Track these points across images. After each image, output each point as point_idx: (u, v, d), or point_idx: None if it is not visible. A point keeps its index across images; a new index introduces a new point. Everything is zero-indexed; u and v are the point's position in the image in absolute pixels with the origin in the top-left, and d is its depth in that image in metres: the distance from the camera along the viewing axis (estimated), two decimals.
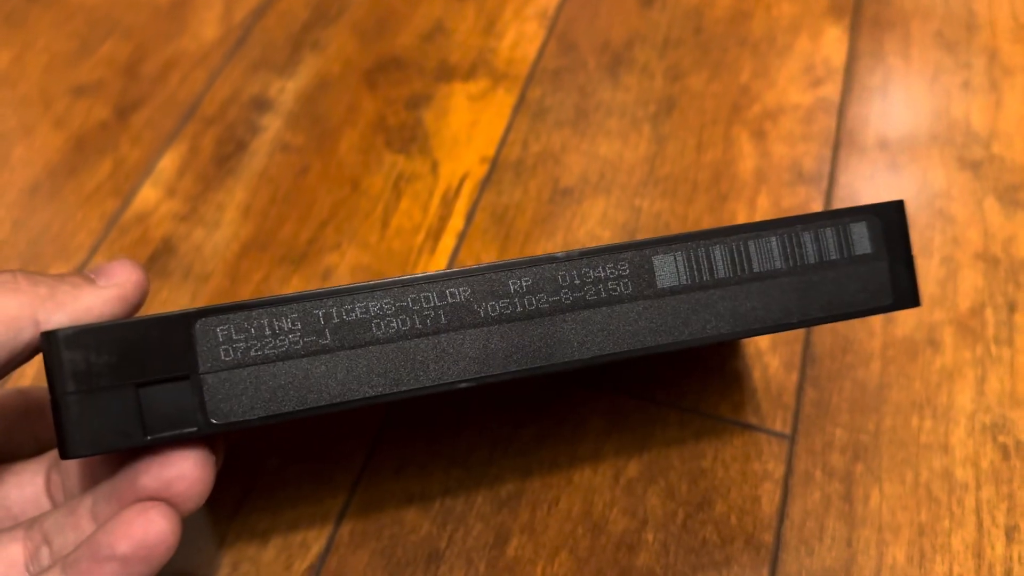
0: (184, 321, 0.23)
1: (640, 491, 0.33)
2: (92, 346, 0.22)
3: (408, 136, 0.45)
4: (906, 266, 0.26)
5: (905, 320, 0.37)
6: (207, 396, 0.23)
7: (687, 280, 0.25)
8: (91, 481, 0.26)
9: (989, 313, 0.37)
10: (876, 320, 0.37)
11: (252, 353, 0.23)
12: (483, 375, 0.24)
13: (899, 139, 0.44)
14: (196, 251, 0.41)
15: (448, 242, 0.41)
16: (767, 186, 0.42)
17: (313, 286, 0.39)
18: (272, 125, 0.45)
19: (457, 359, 0.24)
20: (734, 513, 0.33)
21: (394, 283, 0.24)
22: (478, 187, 0.43)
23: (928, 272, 0.39)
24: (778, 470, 0.34)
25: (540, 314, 0.25)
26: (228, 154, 0.44)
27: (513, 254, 0.40)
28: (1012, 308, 0.37)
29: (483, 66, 0.48)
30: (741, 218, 0.41)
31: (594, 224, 0.41)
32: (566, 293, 0.25)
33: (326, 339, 0.23)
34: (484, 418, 0.35)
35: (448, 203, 0.42)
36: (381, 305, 0.24)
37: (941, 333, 0.37)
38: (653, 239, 0.25)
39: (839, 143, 0.44)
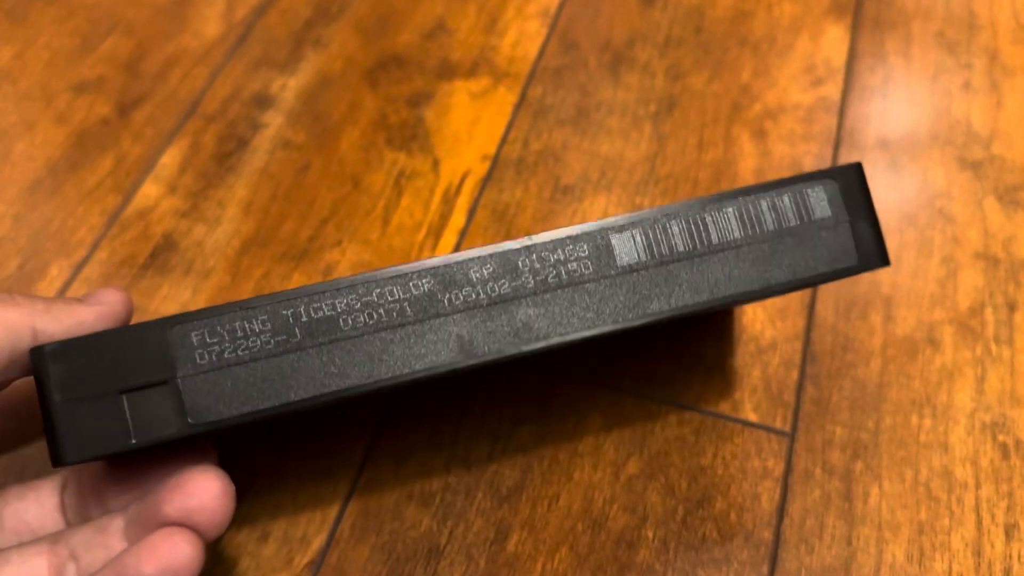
0: (159, 328, 0.24)
1: (640, 488, 0.33)
2: (76, 357, 0.23)
3: (409, 134, 0.45)
4: (869, 225, 0.26)
5: (905, 319, 0.37)
6: (185, 399, 0.24)
7: (647, 256, 0.25)
8: (101, 501, 0.27)
9: (989, 312, 0.37)
10: (876, 319, 0.37)
11: (226, 355, 0.24)
12: (453, 364, 0.25)
13: (899, 139, 0.44)
14: (197, 247, 0.41)
15: (449, 239, 0.41)
16: None
17: (314, 283, 0.39)
18: (273, 122, 0.45)
19: (426, 349, 0.25)
20: (734, 510, 0.33)
21: (358, 280, 0.24)
22: (479, 185, 0.43)
23: (928, 271, 0.39)
24: (778, 468, 0.34)
25: (504, 300, 0.25)
26: (229, 151, 0.44)
27: None
28: (1012, 307, 0.38)
29: (484, 64, 0.48)
30: None
31: None
32: (527, 277, 0.25)
33: (296, 337, 0.24)
34: (484, 414, 0.35)
35: (449, 201, 0.42)
36: (348, 301, 0.24)
37: (941, 332, 0.37)
38: (609, 220, 0.25)
39: (840, 142, 0.44)
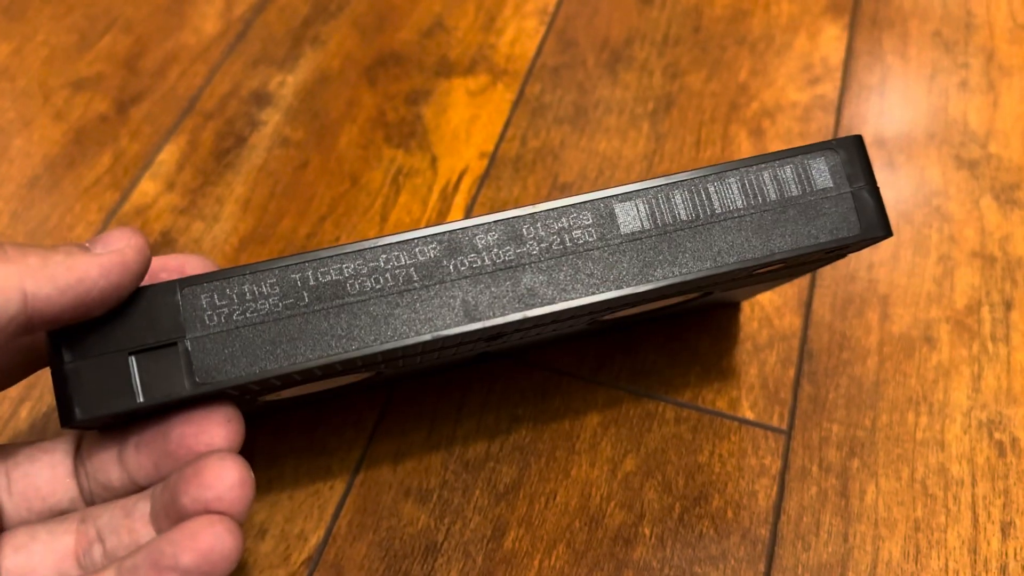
0: (169, 290, 0.24)
1: (637, 485, 0.33)
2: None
3: (407, 131, 0.45)
4: (871, 194, 0.26)
5: (902, 317, 0.37)
6: (194, 359, 0.24)
7: (650, 224, 0.26)
8: (120, 462, 0.25)
9: (986, 311, 0.38)
10: (873, 317, 0.37)
11: (235, 317, 0.24)
12: (458, 329, 0.25)
13: (896, 138, 0.44)
14: (195, 244, 0.41)
15: None
16: None
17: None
18: (272, 120, 0.45)
19: (431, 314, 0.25)
20: (731, 507, 0.33)
21: (366, 245, 0.25)
22: (477, 182, 0.43)
23: (925, 270, 0.39)
24: (775, 465, 0.34)
25: (508, 267, 0.25)
26: (227, 148, 0.44)
27: None
28: (1008, 306, 0.38)
29: (483, 62, 0.48)
30: None
31: None
32: (532, 244, 0.25)
33: (304, 301, 0.24)
34: (482, 412, 0.35)
35: (447, 198, 0.42)
36: (355, 266, 0.25)
37: (938, 330, 0.37)
38: (612, 190, 0.26)
39: None
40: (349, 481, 0.34)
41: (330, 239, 0.41)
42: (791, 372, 0.36)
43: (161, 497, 0.24)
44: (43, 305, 0.22)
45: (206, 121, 0.45)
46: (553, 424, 0.35)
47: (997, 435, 0.34)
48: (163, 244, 0.40)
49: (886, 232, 0.26)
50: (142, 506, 0.25)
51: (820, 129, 0.44)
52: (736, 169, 0.26)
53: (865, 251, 0.39)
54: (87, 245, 0.23)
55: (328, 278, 0.25)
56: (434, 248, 0.25)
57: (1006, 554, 0.32)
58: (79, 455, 0.26)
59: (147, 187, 0.43)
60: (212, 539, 0.22)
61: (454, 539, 0.32)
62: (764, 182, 0.26)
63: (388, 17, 0.50)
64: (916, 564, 0.31)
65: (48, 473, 0.25)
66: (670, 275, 0.26)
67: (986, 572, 0.31)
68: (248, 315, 0.24)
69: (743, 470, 0.34)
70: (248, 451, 0.35)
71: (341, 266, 0.25)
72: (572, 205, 0.25)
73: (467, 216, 0.41)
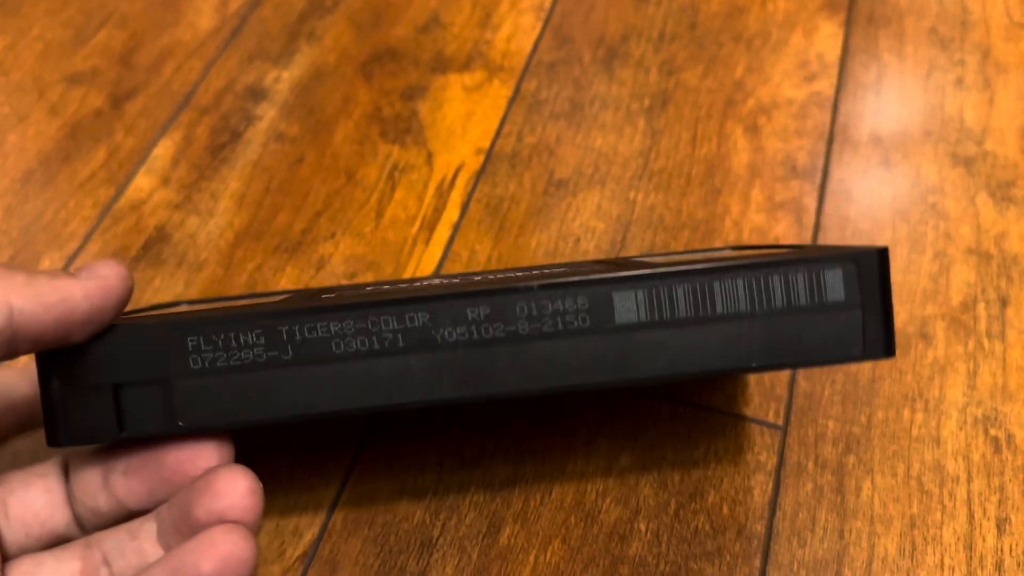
0: (156, 330, 0.24)
1: (633, 481, 0.33)
2: (75, 348, 0.24)
3: (403, 127, 0.45)
4: (882, 317, 0.25)
5: (898, 314, 0.37)
6: (175, 400, 0.24)
7: (646, 318, 0.25)
8: (108, 490, 0.26)
9: (981, 308, 0.38)
10: None
11: (219, 363, 0.24)
12: (436, 398, 0.25)
13: (893, 135, 0.44)
14: (190, 240, 0.40)
15: (443, 233, 0.41)
16: (761, 180, 0.42)
17: (307, 276, 0.39)
18: (267, 115, 0.45)
19: (413, 381, 0.25)
20: (726, 503, 0.33)
21: (356, 304, 0.24)
22: (473, 178, 0.43)
23: (921, 267, 0.39)
24: (770, 461, 0.34)
25: (496, 343, 0.25)
26: (223, 143, 0.44)
27: (508, 245, 0.40)
28: (1004, 303, 0.38)
29: (479, 58, 0.48)
30: (735, 212, 0.41)
31: (588, 216, 0.41)
32: (523, 324, 0.25)
33: (288, 355, 0.24)
34: (478, 407, 0.35)
35: (443, 194, 0.42)
36: (343, 326, 0.24)
37: (933, 327, 0.37)
38: (616, 276, 0.25)
39: (833, 138, 0.44)
40: (344, 477, 0.34)
41: (326, 234, 0.40)
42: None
43: (169, 515, 0.24)
44: (27, 320, 0.22)
45: (201, 116, 0.45)
46: (548, 420, 0.35)
47: (993, 431, 0.34)
48: (158, 239, 0.40)
49: (889, 355, 0.25)
50: (148, 527, 0.25)
51: (816, 127, 0.44)
52: (747, 270, 0.25)
53: None
54: (72, 272, 0.24)
55: (315, 335, 0.24)
56: (424, 315, 0.25)
57: (1001, 550, 0.32)
58: (67, 481, 0.26)
59: (142, 182, 0.42)
60: (230, 546, 0.23)
61: (449, 534, 0.32)
62: (773, 286, 0.25)
63: (384, 12, 0.50)
64: (912, 560, 0.31)
65: (44, 498, 0.26)
66: (654, 371, 0.25)
67: (982, 568, 0.31)
68: (232, 363, 0.24)
69: (739, 466, 0.34)
70: (241, 448, 0.35)
71: (329, 324, 0.24)
72: (571, 284, 0.25)
73: (462, 212, 0.41)
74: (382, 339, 0.25)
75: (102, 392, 0.24)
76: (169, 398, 0.24)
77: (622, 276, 0.25)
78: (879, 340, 0.25)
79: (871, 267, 0.25)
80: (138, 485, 0.25)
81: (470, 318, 0.25)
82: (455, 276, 0.36)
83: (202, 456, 0.25)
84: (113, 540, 0.25)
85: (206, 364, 0.24)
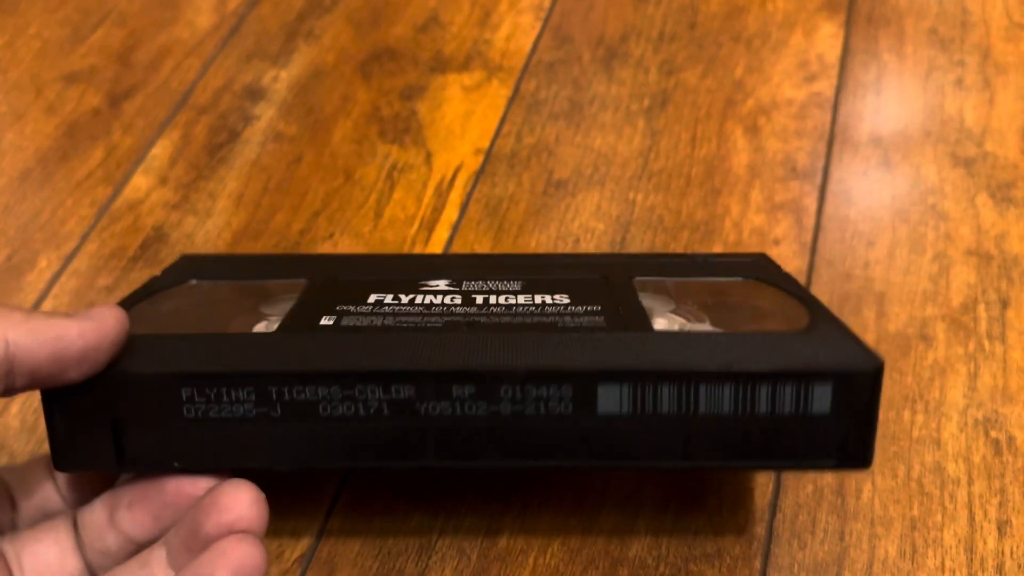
0: (154, 380, 0.25)
1: (632, 482, 0.33)
2: (76, 385, 0.25)
3: (402, 127, 0.44)
4: (864, 432, 0.25)
5: (898, 315, 0.37)
6: (171, 443, 0.26)
7: (628, 411, 0.25)
8: (115, 526, 0.26)
9: (982, 309, 0.38)
10: (869, 315, 0.37)
11: (211, 415, 0.25)
12: (420, 464, 0.26)
13: (893, 135, 0.44)
14: (188, 240, 0.40)
15: (442, 233, 0.40)
16: (760, 181, 0.42)
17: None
18: (265, 114, 0.45)
19: (394, 448, 0.26)
20: (726, 505, 0.33)
21: (344, 374, 0.25)
22: (472, 178, 0.42)
23: (921, 268, 0.39)
24: None
25: (477, 419, 0.25)
26: (221, 143, 0.44)
27: (507, 246, 0.40)
28: (1004, 304, 0.38)
29: (478, 58, 0.47)
30: (734, 213, 0.41)
31: (588, 217, 0.41)
32: (506, 405, 0.25)
33: (276, 413, 0.25)
34: None
35: (442, 194, 0.42)
36: (330, 391, 0.25)
37: (933, 328, 0.37)
38: (603, 370, 0.25)
39: (833, 139, 0.44)
40: (342, 478, 0.34)
41: (324, 234, 0.40)
42: None
43: (178, 537, 0.25)
44: (23, 355, 0.23)
45: (199, 115, 0.45)
46: None
47: (993, 433, 0.34)
48: (155, 239, 0.40)
49: (864, 466, 0.25)
50: (157, 554, 0.26)
51: (816, 127, 0.44)
52: (733, 380, 0.24)
53: (861, 249, 0.39)
54: (70, 313, 0.25)
55: (302, 397, 0.25)
56: (409, 389, 0.25)
57: (1002, 553, 0.31)
58: (78, 527, 0.27)
59: (140, 182, 0.42)
60: (242, 554, 0.23)
61: (448, 536, 0.32)
62: (759, 395, 0.24)
63: (383, 12, 0.50)
64: (912, 563, 0.31)
65: (55, 549, 0.26)
66: (628, 460, 0.26)
67: (983, 571, 0.31)
68: (223, 414, 0.25)
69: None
70: None
71: (317, 388, 0.25)
72: (557, 373, 0.25)
73: (461, 212, 0.41)
74: (367, 406, 0.25)
75: (102, 427, 0.25)
76: (165, 440, 0.25)
77: (609, 370, 0.25)
78: (858, 454, 0.25)
79: (864, 386, 0.24)
80: (143, 515, 0.26)
81: (454, 395, 0.25)
82: (467, 256, 0.36)
83: (202, 478, 0.26)
84: (125, 573, 0.26)
85: (199, 414, 0.25)
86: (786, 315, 0.29)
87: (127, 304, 0.30)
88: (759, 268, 0.34)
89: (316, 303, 0.30)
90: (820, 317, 0.28)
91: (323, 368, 0.25)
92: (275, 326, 0.29)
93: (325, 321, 0.28)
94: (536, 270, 0.34)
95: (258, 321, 0.30)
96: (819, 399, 0.25)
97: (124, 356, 0.25)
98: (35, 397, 0.35)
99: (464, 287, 0.32)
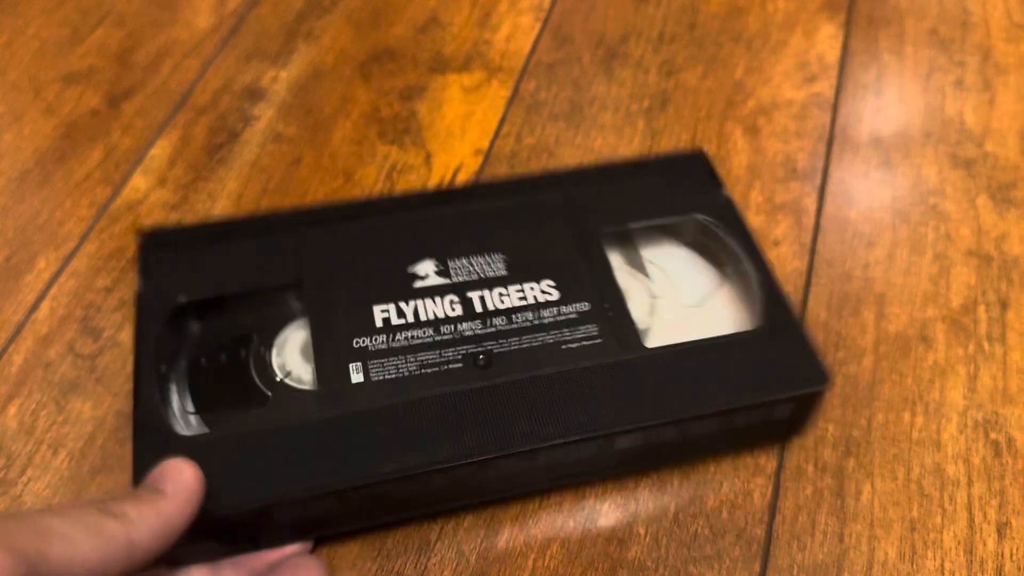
0: (250, 515, 0.29)
1: (632, 484, 0.33)
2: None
3: (402, 127, 0.44)
4: (794, 423, 0.33)
5: (898, 316, 0.37)
6: (261, 535, 0.30)
7: (641, 443, 0.31)
8: None
9: (982, 310, 0.37)
10: (869, 316, 0.37)
11: (298, 516, 0.30)
12: (448, 505, 0.32)
13: (893, 136, 0.44)
14: None
15: None
16: (760, 181, 0.42)
17: None
18: (264, 115, 0.45)
19: (423, 491, 0.30)
20: (725, 507, 0.33)
21: (407, 470, 0.29)
22: (472, 179, 0.42)
23: (921, 268, 0.39)
24: (770, 465, 0.34)
25: (517, 469, 0.31)
26: (220, 143, 0.44)
27: None
28: (1004, 305, 0.38)
29: (477, 58, 0.47)
30: None
31: None
32: (540, 460, 0.31)
33: (355, 502, 0.30)
34: None
35: None
36: (397, 485, 0.30)
37: (933, 330, 0.37)
38: (620, 424, 0.30)
39: (833, 139, 0.44)
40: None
41: None
42: None
43: None
44: (142, 554, 0.25)
45: (198, 116, 0.45)
46: None
47: (993, 435, 0.34)
48: None
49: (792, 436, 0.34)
50: None
51: (816, 127, 0.44)
52: (716, 418, 0.31)
53: (861, 250, 0.39)
54: (159, 490, 0.27)
55: (371, 492, 0.30)
56: (454, 473, 0.30)
57: (1002, 555, 0.31)
58: None
59: (138, 182, 0.42)
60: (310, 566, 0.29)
61: (447, 538, 0.32)
62: (736, 418, 0.31)
63: (382, 12, 0.50)
64: (912, 565, 0.31)
65: None
66: (626, 468, 0.33)
67: (982, 573, 0.31)
68: (307, 514, 0.30)
69: (738, 469, 0.33)
70: None
71: (385, 485, 0.30)
72: (581, 441, 0.30)
73: None
74: (420, 479, 0.30)
75: (213, 539, 0.29)
76: (258, 535, 0.30)
77: (629, 425, 0.30)
78: (794, 427, 0.33)
79: (816, 395, 0.32)
80: (242, 571, 0.30)
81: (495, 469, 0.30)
82: (431, 195, 0.38)
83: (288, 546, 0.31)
84: None
85: (288, 519, 0.30)
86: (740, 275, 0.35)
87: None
88: (699, 166, 0.38)
89: (331, 340, 0.32)
90: (773, 303, 0.33)
91: (390, 474, 0.29)
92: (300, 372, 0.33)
93: (355, 377, 0.31)
94: (503, 219, 0.36)
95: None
96: (781, 412, 0.32)
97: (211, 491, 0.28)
98: (33, 398, 0.35)
99: (454, 277, 0.34)
